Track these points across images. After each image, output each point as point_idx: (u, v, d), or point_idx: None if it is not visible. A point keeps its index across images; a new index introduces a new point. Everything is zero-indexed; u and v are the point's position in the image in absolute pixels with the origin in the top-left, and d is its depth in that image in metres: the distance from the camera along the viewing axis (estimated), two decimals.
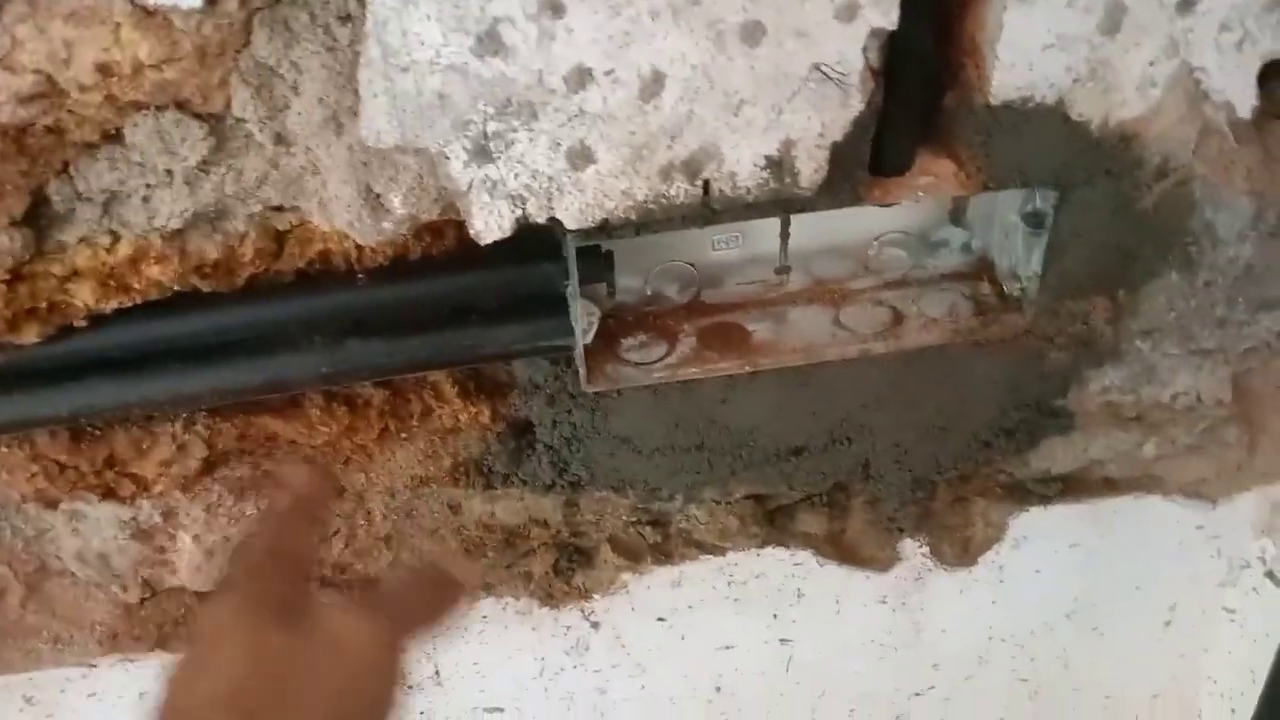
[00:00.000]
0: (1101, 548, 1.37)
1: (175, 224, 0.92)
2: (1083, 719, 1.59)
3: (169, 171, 0.89)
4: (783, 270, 1.14)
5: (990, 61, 0.93)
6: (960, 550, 1.33)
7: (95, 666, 1.24)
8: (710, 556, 1.29)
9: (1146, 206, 1.03)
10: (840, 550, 1.32)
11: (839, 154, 0.95)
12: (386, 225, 0.94)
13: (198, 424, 1.08)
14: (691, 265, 1.12)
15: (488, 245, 0.95)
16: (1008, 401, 1.17)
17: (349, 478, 1.16)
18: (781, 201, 0.97)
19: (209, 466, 1.11)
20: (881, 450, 1.20)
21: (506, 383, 1.13)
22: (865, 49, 0.89)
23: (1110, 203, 1.02)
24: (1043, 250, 1.06)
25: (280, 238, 0.97)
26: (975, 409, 1.18)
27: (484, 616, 1.29)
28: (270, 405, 1.09)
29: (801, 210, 0.98)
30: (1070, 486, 1.30)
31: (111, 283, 0.95)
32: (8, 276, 0.92)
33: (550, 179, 0.91)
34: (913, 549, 1.34)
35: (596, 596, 1.29)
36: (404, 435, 1.13)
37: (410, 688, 0.78)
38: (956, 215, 1.14)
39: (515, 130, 0.88)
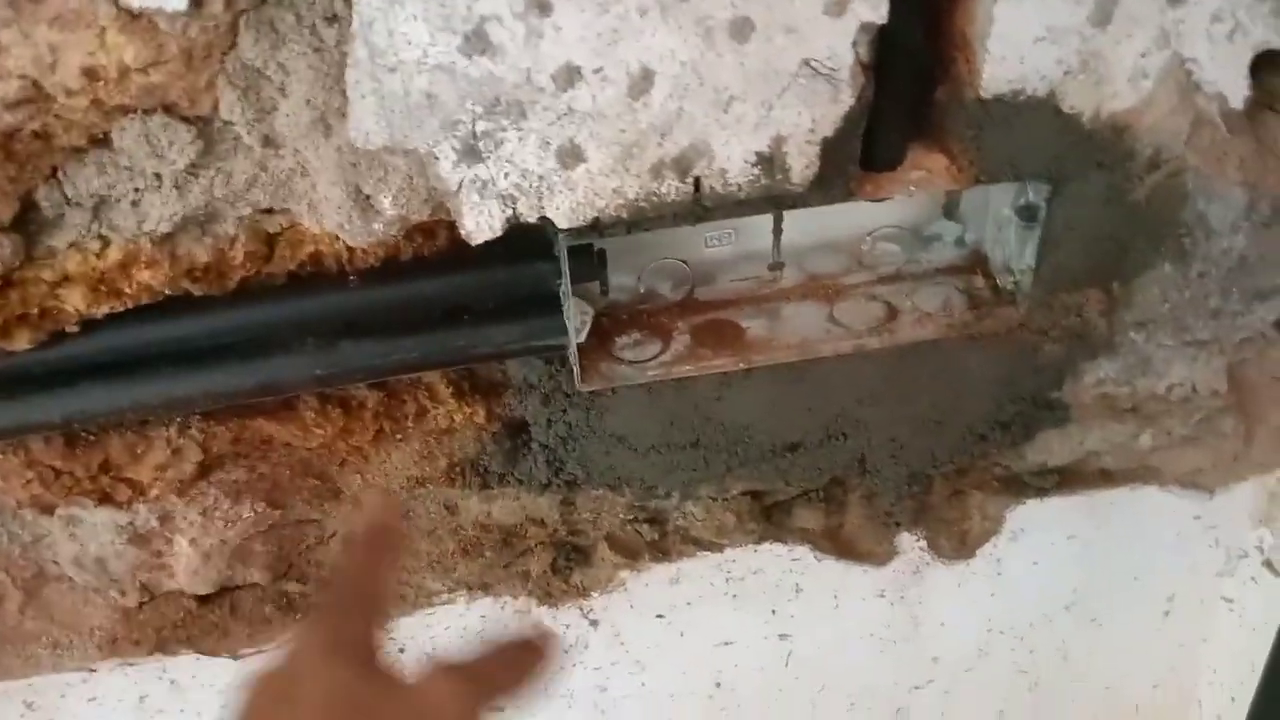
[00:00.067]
0: (1099, 539, 1.37)
1: (165, 228, 0.92)
2: (1083, 710, 1.59)
3: (157, 175, 0.89)
4: (776, 266, 1.13)
5: (981, 55, 0.93)
6: (958, 543, 1.33)
7: (95, 671, 1.24)
8: (708, 553, 1.29)
9: (1139, 198, 1.03)
10: (838, 545, 1.32)
11: (830, 149, 0.94)
12: (377, 226, 0.94)
13: (192, 428, 1.08)
14: (685, 262, 1.12)
15: (479, 245, 0.95)
16: (1003, 395, 1.17)
17: (345, 479, 1.15)
18: (773, 198, 0.97)
19: (204, 470, 1.10)
20: (877, 445, 1.20)
21: (501, 382, 1.13)
22: (855, 44, 0.89)
23: (1103, 195, 1.02)
24: (1036, 243, 1.06)
25: (271, 240, 0.97)
26: (970, 403, 1.18)
27: (482, 616, 1.29)
28: (264, 408, 1.08)
29: (793, 206, 0.98)
30: (1067, 479, 1.30)
31: (102, 287, 0.95)
32: None
33: (540, 178, 0.91)
34: (910, 543, 1.33)
35: (595, 595, 1.29)
36: (399, 436, 1.13)
37: None
38: (949, 209, 1.14)
39: (504, 130, 0.88)
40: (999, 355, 1.14)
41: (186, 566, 1.16)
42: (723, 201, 0.96)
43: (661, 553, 1.27)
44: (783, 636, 1.40)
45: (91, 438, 1.07)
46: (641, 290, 1.12)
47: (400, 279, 1.01)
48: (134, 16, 0.80)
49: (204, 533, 1.14)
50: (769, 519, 1.28)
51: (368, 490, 1.16)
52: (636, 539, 1.25)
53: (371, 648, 0.70)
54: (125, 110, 0.85)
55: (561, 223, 0.94)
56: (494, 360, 1.09)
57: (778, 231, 1.11)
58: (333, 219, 0.93)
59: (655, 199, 0.94)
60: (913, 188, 1.01)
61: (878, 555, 1.33)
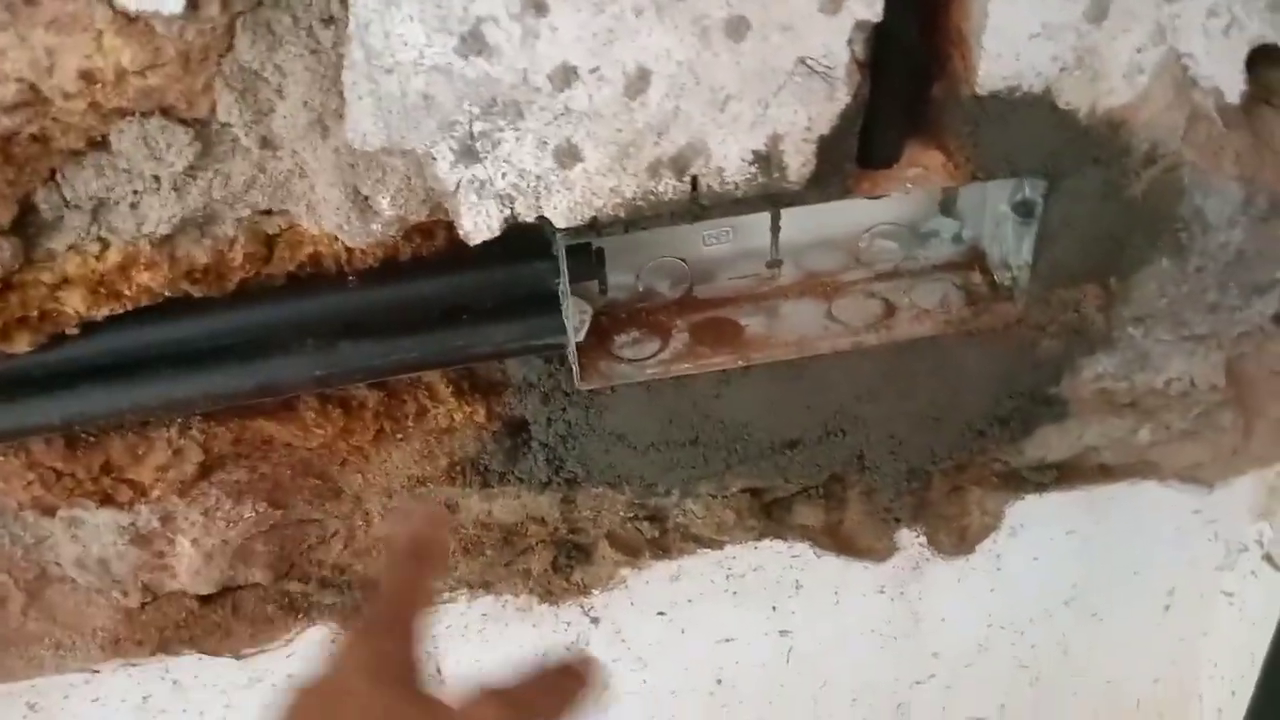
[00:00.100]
0: (1099, 534, 1.37)
1: (164, 230, 0.92)
2: (1083, 705, 1.59)
3: (156, 177, 0.89)
4: (774, 264, 1.14)
5: (976, 52, 0.93)
6: (957, 539, 1.33)
7: (98, 672, 1.24)
8: (708, 550, 1.29)
9: (1136, 194, 1.03)
10: (837, 541, 1.32)
11: (826, 147, 0.95)
12: (375, 227, 0.94)
13: (193, 429, 1.08)
14: (683, 261, 1.12)
15: (478, 245, 0.95)
16: (1001, 390, 1.17)
17: (346, 479, 1.16)
18: (770, 196, 0.97)
19: (205, 471, 1.11)
20: (876, 441, 1.20)
21: (501, 381, 1.13)
22: (850, 42, 0.89)
23: (1099, 191, 1.02)
24: (1033, 239, 1.06)
25: (270, 241, 0.97)
26: (969, 398, 1.18)
27: (484, 615, 1.29)
28: (265, 408, 1.09)
29: (790, 204, 0.99)
30: (1066, 474, 1.30)
31: (102, 290, 0.95)
32: None
33: (538, 178, 0.91)
34: (910, 539, 1.34)
35: (596, 592, 1.30)
36: (400, 436, 1.13)
37: None
38: (947, 206, 1.14)
39: (501, 130, 0.88)
40: (997, 351, 1.14)
41: (188, 567, 1.16)
42: (720, 200, 0.96)
43: (662, 550, 1.27)
44: (783, 633, 1.41)
45: (92, 439, 1.07)
46: (640, 289, 1.12)
47: (399, 279, 1.01)
48: (130, 19, 0.80)
49: (205, 533, 1.14)
50: (769, 516, 1.28)
51: (412, 500, 1.16)
52: (637, 536, 1.26)
53: (414, 668, 0.69)
54: (123, 113, 0.85)
55: (559, 222, 0.94)
56: (493, 360, 1.09)
57: (775, 229, 1.11)
58: (331, 220, 0.93)
59: (653, 198, 0.94)
60: (910, 185, 1.01)
61: (877, 551, 1.33)
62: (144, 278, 0.95)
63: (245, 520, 1.14)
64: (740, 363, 1.09)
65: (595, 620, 1.33)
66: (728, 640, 1.41)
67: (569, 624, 1.32)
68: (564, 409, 1.13)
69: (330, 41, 0.84)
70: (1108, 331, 1.13)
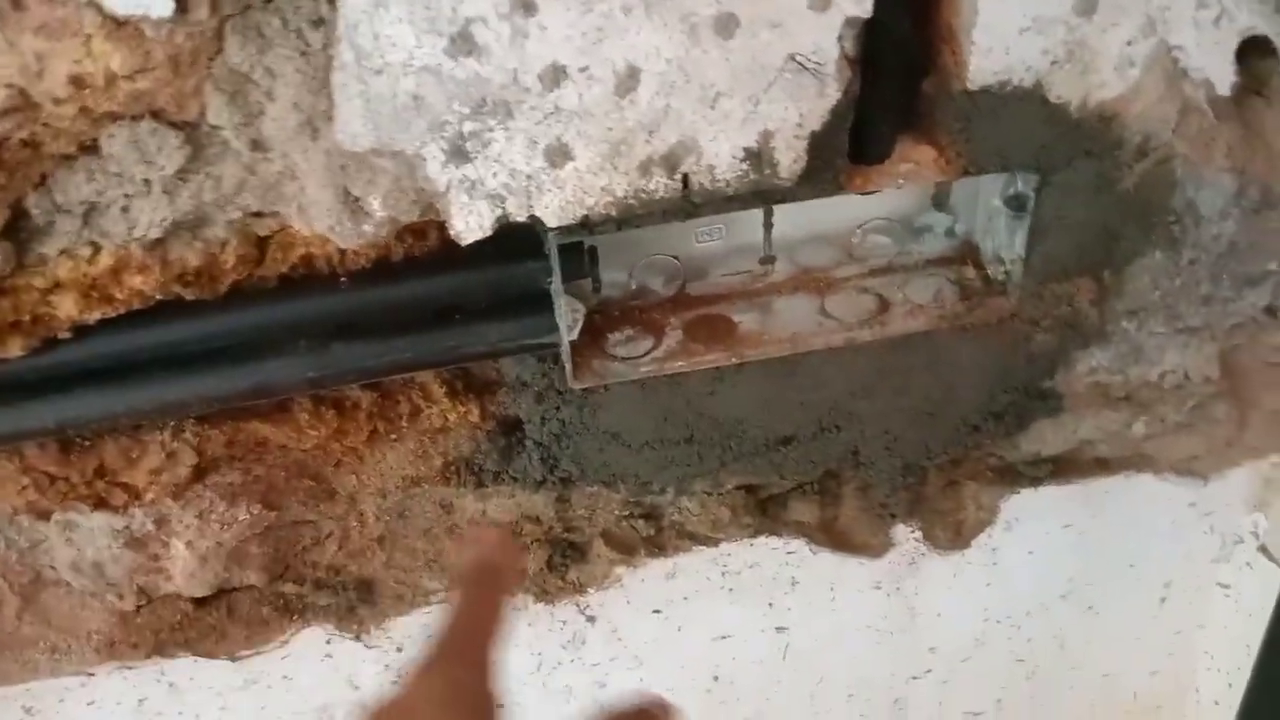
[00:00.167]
0: (1094, 527, 1.37)
1: (155, 233, 0.92)
2: (1080, 698, 1.59)
3: (147, 181, 0.89)
4: (767, 260, 1.14)
5: (966, 47, 0.93)
6: (953, 534, 1.33)
7: (93, 675, 1.24)
8: (703, 548, 1.29)
9: (1128, 186, 1.03)
10: (833, 537, 1.32)
11: (818, 144, 0.94)
12: (367, 228, 0.94)
13: (186, 431, 1.08)
14: (676, 258, 1.12)
15: (470, 245, 0.95)
16: (995, 385, 1.17)
17: (340, 480, 1.16)
18: (762, 193, 0.97)
19: (199, 473, 1.11)
20: (871, 437, 1.20)
21: (495, 381, 1.13)
22: (840, 38, 0.89)
23: (1091, 184, 1.02)
24: (1026, 233, 1.06)
25: (261, 243, 0.97)
26: (963, 393, 1.18)
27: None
28: (258, 410, 1.09)
29: (782, 201, 0.99)
30: (1061, 468, 1.30)
31: (94, 294, 0.95)
32: None
33: (529, 177, 0.91)
34: (905, 534, 1.34)
35: (591, 591, 1.30)
36: (394, 436, 1.13)
37: None
38: (940, 200, 1.14)
39: (492, 130, 0.88)
40: (991, 346, 1.14)
41: (183, 569, 1.16)
42: (711, 197, 0.96)
43: (657, 548, 1.27)
44: (780, 629, 1.41)
45: (86, 443, 1.07)
46: (633, 286, 1.12)
47: (392, 280, 1.01)
48: (120, 24, 0.80)
49: (200, 535, 1.14)
50: (764, 513, 1.28)
51: (481, 524, 1.15)
52: (632, 535, 1.25)
53: (488, 700, 0.68)
54: (113, 117, 0.85)
55: (551, 221, 0.94)
56: (487, 359, 1.09)
57: (768, 225, 1.11)
58: (323, 221, 0.93)
59: (644, 196, 0.94)
60: (902, 180, 1.01)
61: (873, 547, 1.33)
62: (136, 281, 0.95)
63: (240, 522, 1.14)
64: (734, 360, 1.09)
65: (591, 619, 1.33)
66: (724, 637, 1.41)
67: (565, 622, 1.32)
68: (558, 408, 1.13)
69: (319, 43, 0.83)
70: (1101, 325, 1.13)
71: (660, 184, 0.94)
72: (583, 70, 0.87)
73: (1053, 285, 1.10)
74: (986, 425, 1.21)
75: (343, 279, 1.00)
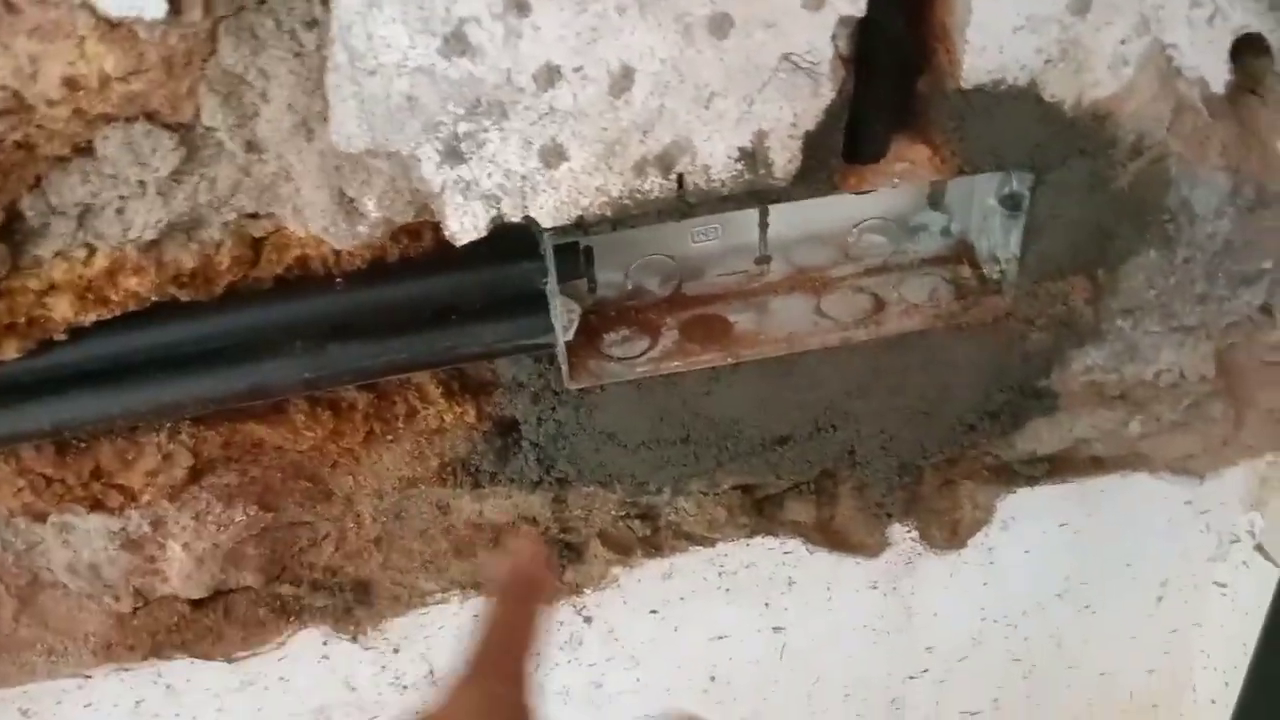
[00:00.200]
0: (1090, 526, 1.37)
1: (150, 235, 0.92)
2: (1077, 697, 1.59)
3: (141, 183, 0.89)
4: (763, 260, 1.14)
5: (960, 46, 0.93)
6: (949, 533, 1.33)
7: (90, 677, 1.24)
8: (700, 548, 1.29)
9: (1122, 185, 1.03)
10: (829, 537, 1.32)
11: (812, 143, 0.94)
12: (362, 229, 0.94)
13: (182, 433, 1.08)
14: (672, 258, 1.12)
15: (465, 245, 0.95)
16: (991, 384, 1.17)
17: (336, 481, 1.16)
18: (756, 193, 0.97)
19: (195, 475, 1.11)
20: (867, 437, 1.20)
21: (491, 381, 1.13)
22: (835, 37, 0.89)
23: (1086, 183, 1.02)
24: (1020, 232, 1.06)
25: (257, 245, 0.97)
26: (959, 392, 1.18)
27: (476, 616, 1.28)
28: (254, 411, 1.08)
29: (777, 201, 0.99)
30: (1057, 466, 1.30)
31: (89, 295, 0.95)
32: None
33: (523, 178, 0.91)
34: (902, 533, 1.34)
35: (588, 591, 1.30)
36: (390, 437, 1.13)
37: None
38: (935, 199, 1.14)
39: (486, 130, 0.88)
40: (986, 345, 1.14)
41: (180, 571, 1.16)
42: (706, 197, 0.96)
43: (654, 548, 1.27)
44: (776, 629, 1.41)
45: (82, 445, 1.07)
46: (629, 286, 1.12)
47: (387, 280, 1.01)
48: (113, 25, 0.79)
49: (196, 537, 1.14)
50: (760, 512, 1.28)
51: (516, 537, 1.15)
52: (629, 535, 1.25)
53: (526, 715, 0.68)
54: (107, 119, 0.85)
55: (546, 222, 0.94)
56: (482, 360, 1.09)
57: (764, 225, 1.11)
58: (318, 222, 0.93)
59: (639, 196, 0.94)
60: (896, 179, 1.01)
61: (870, 547, 1.33)
62: (131, 283, 0.95)
63: (236, 524, 1.14)
64: (730, 360, 1.09)
65: (588, 619, 1.33)
66: (721, 637, 1.41)
67: (562, 623, 1.32)
68: (554, 408, 1.13)
69: (313, 44, 0.83)
70: (1096, 324, 1.14)
71: (655, 184, 0.94)
72: (577, 70, 0.87)
73: (1048, 284, 1.10)
74: (982, 424, 1.21)
75: (338, 280, 1.00)
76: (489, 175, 0.91)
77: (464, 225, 0.93)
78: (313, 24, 0.83)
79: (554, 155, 0.91)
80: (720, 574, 1.33)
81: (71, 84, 0.82)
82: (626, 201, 0.94)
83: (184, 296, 0.97)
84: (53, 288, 0.94)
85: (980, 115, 0.96)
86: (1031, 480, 1.30)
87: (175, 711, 1.29)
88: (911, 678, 1.52)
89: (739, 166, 0.94)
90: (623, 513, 1.24)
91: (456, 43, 0.83)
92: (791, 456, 1.20)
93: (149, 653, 1.21)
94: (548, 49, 0.85)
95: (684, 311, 1.13)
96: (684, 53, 0.87)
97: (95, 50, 0.80)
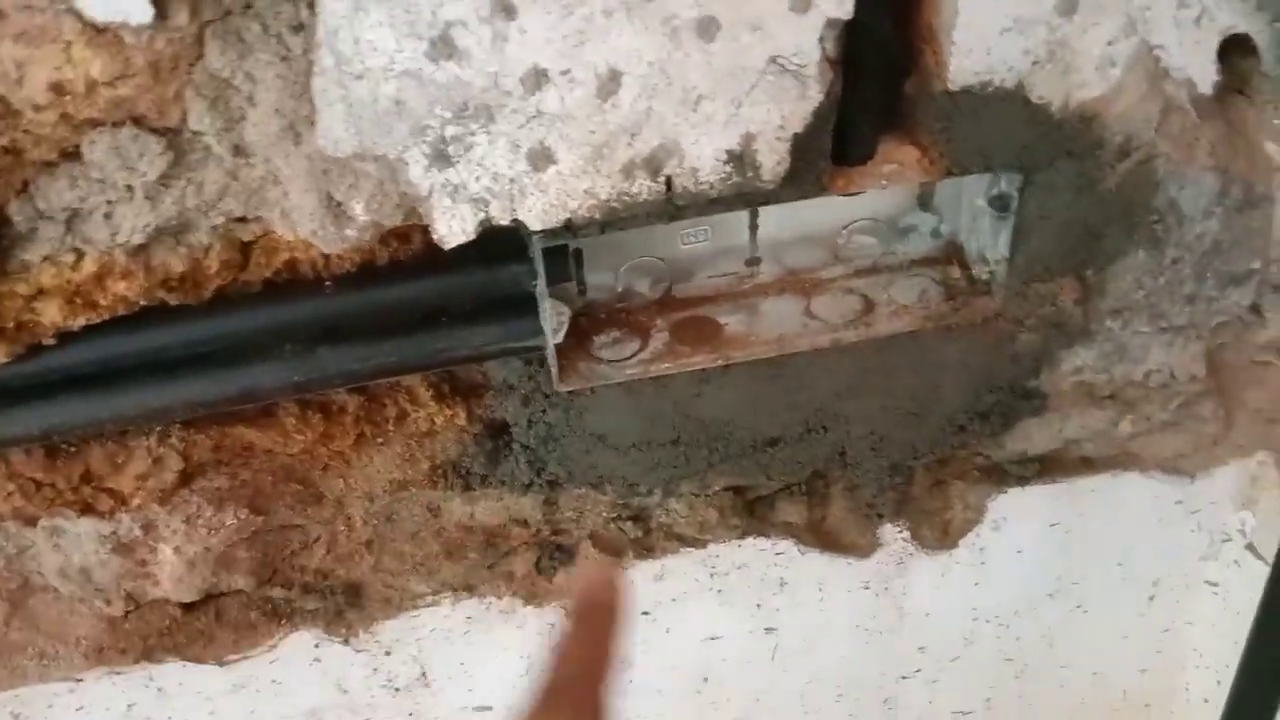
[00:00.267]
0: (1081, 526, 1.38)
1: (138, 239, 0.92)
2: (1070, 696, 1.59)
3: (129, 187, 0.89)
4: (753, 262, 1.14)
5: (947, 47, 0.93)
6: (940, 533, 1.34)
7: (81, 681, 1.24)
8: (691, 549, 1.29)
9: (1110, 186, 1.03)
10: (821, 538, 1.32)
11: (800, 145, 0.95)
12: (350, 233, 0.94)
13: (172, 437, 1.08)
14: (662, 260, 1.12)
15: (454, 248, 0.95)
16: (981, 385, 1.18)
17: (327, 484, 1.16)
18: (745, 195, 0.97)
19: (185, 478, 1.11)
20: (857, 437, 1.20)
21: (481, 384, 1.13)
22: (822, 39, 0.89)
23: (1074, 184, 1.03)
24: (1009, 233, 1.06)
25: (245, 248, 0.97)
26: (949, 393, 1.18)
27: (468, 618, 1.29)
28: (244, 415, 1.09)
29: (765, 203, 0.99)
30: (1047, 467, 1.30)
31: (78, 300, 0.94)
32: None
33: (512, 181, 0.91)
34: (893, 534, 1.34)
35: None
36: (380, 440, 1.13)
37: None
38: (924, 200, 1.14)
39: (474, 134, 0.88)
40: (976, 346, 1.14)
41: (171, 574, 1.16)
42: (695, 200, 0.96)
43: (646, 550, 1.28)
44: (769, 630, 1.41)
45: (72, 449, 1.07)
46: (619, 289, 1.12)
47: (376, 283, 1.01)
48: (99, 30, 0.79)
49: (188, 540, 1.14)
50: (752, 514, 1.28)
51: (589, 561, 1.15)
52: (620, 537, 1.25)
53: None
54: (94, 123, 0.85)
55: (534, 224, 0.94)
56: (472, 362, 1.09)
57: (754, 227, 1.11)
58: (306, 226, 0.93)
59: (627, 199, 0.94)
60: (885, 181, 1.01)
61: (861, 547, 1.33)
62: (120, 287, 0.95)
63: (227, 527, 1.14)
64: (720, 361, 1.09)
65: None
66: (713, 638, 1.41)
67: (554, 625, 1.32)
68: (544, 410, 1.13)
69: (300, 48, 0.83)
70: (1085, 324, 1.14)
71: (643, 187, 0.94)
72: (564, 73, 0.87)
73: (1037, 285, 1.10)
74: (972, 425, 1.21)
75: (327, 283, 1.00)
76: (477, 178, 0.91)
77: (452, 228, 0.93)
78: (299, 28, 0.83)
79: (542, 158, 0.91)
80: (712, 575, 1.33)
81: (58, 89, 0.82)
82: (615, 204, 0.94)
83: (173, 300, 0.97)
84: (41, 292, 0.94)
85: (968, 117, 0.96)
86: (1022, 480, 1.31)
87: (167, 715, 1.29)
88: (904, 678, 1.52)
89: (727, 169, 0.94)
90: (614, 514, 1.24)
91: (443, 46, 0.83)
92: (782, 458, 1.20)
93: (140, 656, 1.21)
94: (535, 52, 0.85)
95: (674, 313, 1.13)
96: (671, 55, 0.87)
97: (81, 55, 0.80)
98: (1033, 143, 0.99)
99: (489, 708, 1.40)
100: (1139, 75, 0.98)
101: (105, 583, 1.16)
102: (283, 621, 1.23)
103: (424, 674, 1.34)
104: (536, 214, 0.94)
